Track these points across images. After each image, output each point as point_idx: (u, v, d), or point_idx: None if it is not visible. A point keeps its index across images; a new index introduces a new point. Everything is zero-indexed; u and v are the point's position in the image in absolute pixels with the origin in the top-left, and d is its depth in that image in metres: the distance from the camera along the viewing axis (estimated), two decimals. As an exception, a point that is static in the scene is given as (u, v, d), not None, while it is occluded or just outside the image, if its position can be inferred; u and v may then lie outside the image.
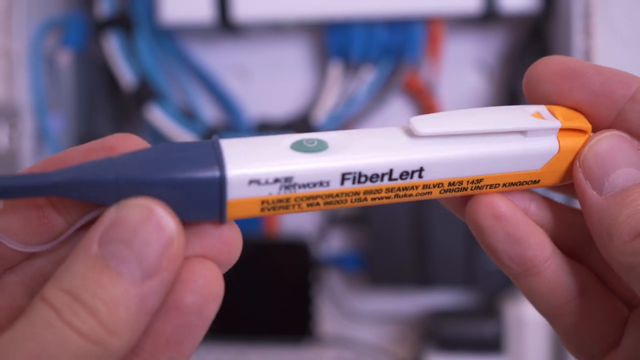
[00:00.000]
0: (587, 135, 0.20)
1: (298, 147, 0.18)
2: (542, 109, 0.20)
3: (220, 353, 0.55)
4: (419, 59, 0.50)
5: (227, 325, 0.53)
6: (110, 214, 0.16)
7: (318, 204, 0.18)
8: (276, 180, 0.17)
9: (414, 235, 0.50)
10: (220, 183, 0.16)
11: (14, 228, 0.17)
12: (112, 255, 0.15)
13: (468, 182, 0.19)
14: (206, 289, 0.17)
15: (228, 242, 0.18)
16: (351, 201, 0.18)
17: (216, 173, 0.16)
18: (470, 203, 0.20)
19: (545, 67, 0.20)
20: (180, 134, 0.50)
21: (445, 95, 0.52)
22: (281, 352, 0.54)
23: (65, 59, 0.51)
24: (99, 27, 0.51)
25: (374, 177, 0.18)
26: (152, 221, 0.16)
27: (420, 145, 0.18)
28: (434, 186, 0.19)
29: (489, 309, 0.51)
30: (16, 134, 0.48)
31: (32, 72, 0.49)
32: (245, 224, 0.53)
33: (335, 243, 0.54)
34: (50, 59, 0.51)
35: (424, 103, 0.52)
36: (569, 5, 0.44)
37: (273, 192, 0.17)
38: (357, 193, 0.18)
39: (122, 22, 0.51)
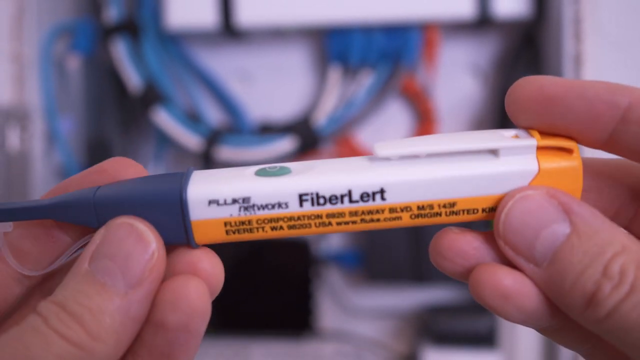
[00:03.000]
0: (574, 154, 0.18)
1: (261, 172, 0.18)
2: (521, 132, 0.18)
3: (224, 347, 0.55)
4: (415, 64, 0.50)
5: (230, 319, 0.53)
6: (100, 233, 0.17)
7: (282, 227, 0.17)
8: (234, 201, 0.17)
9: (410, 233, 0.50)
10: (181, 202, 0.17)
11: (26, 248, 0.18)
12: (99, 269, 0.16)
13: (440, 205, 0.18)
14: (189, 308, 0.17)
15: (204, 271, 0.18)
16: (315, 225, 0.17)
17: (176, 192, 0.17)
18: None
19: (523, 93, 0.18)
20: (185, 135, 0.50)
21: (441, 99, 0.52)
22: (282, 346, 0.54)
23: (74, 63, 0.51)
24: (107, 33, 0.51)
25: (332, 199, 0.17)
26: (134, 236, 0.17)
27: (380, 167, 0.17)
28: (402, 210, 0.17)
29: (483, 304, 0.51)
30: (27, 136, 0.48)
31: (42, 76, 0.49)
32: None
33: (335, 241, 0.54)
34: (60, 64, 0.51)
35: (420, 106, 0.52)
36: (560, 11, 0.44)
37: (233, 213, 0.17)
38: (319, 216, 0.17)
39: (129, 28, 0.51)
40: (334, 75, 0.51)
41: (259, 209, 0.17)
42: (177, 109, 0.51)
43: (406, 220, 0.18)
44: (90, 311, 0.16)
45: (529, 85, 0.18)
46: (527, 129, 0.18)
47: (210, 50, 0.54)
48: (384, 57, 0.50)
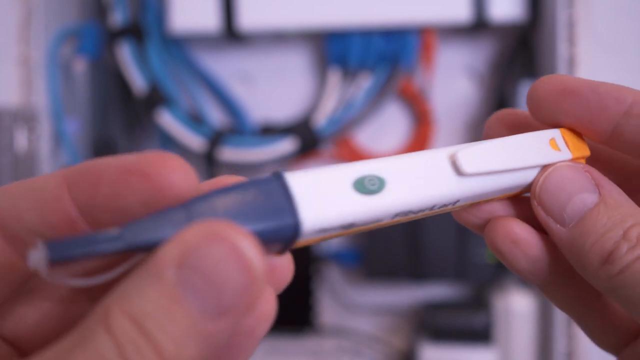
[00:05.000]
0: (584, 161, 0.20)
1: (360, 187, 0.17)
2: (556, 134, 0.20)
3: (226, 343, 0.55)
4: (413, 66, 0.50)
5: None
6: (191, 237, 0.13)
7: (361, 231, 0.18)
8: (340, 227, 0.17)
9: (408, 232, 0.50)
10: (294, 234, 0.16)
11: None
12: (188, 285, 0.13)
13: (467, 205, 0.19)
14: (262, 314, 0.16)
15: (281, 271, 0.17)
16: (385, 225, 0.18)
17: (291, 228, 0.16)
18: (488, 230, 0.20)
19: (545, 86, 0.20)
20: (188, 136, 0.50)
21: (438, 100, 0.52)
22: (283, 342, 0.54)
23: (80, 66, 0.51)
24: (112, 36, 0.51)
25: (419, 212, 0.18)
26: (237, 257, 0.13)
27: (462, 183, 0.18)
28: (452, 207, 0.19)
29: (479, 301, 0.51)
30: (34, 137, 0.48)
31: (49, 79, 0.49)
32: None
33: (335, 240, 0.54)
34: (67, 66, 0.51)
35: (418, 108, 0.52)
36: (554, 15, 0.44)
37: (333, 232, 0.17)
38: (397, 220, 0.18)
39: (134, 32, 0.51)
40: (334, 77, 0.51)
41: (356, 226, 0.17)
42: (181, 110, 0.51)
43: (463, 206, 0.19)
44: (173, 338, 0.13)
45: (551, 81, 0.19)
46: (555, 127, 0.20)
47: (213, 53, 0.54)
48: (382, 60, 0.50)
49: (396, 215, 0.17)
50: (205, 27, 0.49)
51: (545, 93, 0.20)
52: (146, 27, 0.51)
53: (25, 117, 0.47)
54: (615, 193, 0.18)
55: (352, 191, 0.17)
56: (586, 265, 0.18)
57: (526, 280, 0.21)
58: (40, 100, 0.48)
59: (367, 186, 0.17)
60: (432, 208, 0.18)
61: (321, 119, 0.50)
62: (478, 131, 0.52)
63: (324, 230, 0.16)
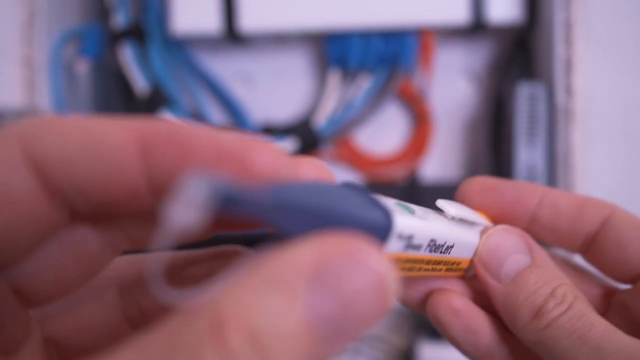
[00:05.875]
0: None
1: (402, 207, 0.17)
2: (472, 212, 0.22)
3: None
4: (412, 68, 0.50)
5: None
6: (329, 251, 0.12)
7: (402, 269, 0.18)
8: (408, 237, 0.16)
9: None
10: (386, 233, 0.15)
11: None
12: (321, 307, 0.11)
13: (452, 262, 0.20)
14: None
15: None
16: (416, 270, 0.19)
17: (386, 226, 0.15)
18: (430, 301, 0.21)
19: (470, 186, 0.23)
20: (189, 137, 0.50)
21: (437, 101, 0.52)
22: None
23: (83, 67, 0.51)
24: (115, 38, 0.51)
25: (438, 248, 0.19)
26: (381, 290, 0.12)
27: (453, 226, 0.20)
28: (450, 264, 0.20)
29: (478, 300, 0.51)
30: (37, 137, 0.48)
31: (52, 80, 0.49)
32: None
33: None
34: (69, 67, 0.51)
35: (417, 109, 0.52)
36: (552, 16, 0.44)
37: (399, 249, 0.16)
38: (422, 261, 0.18)
39: (136, 33, 0.51)
40: (334, 78, 0.51)
41: (411, 248, 0.17)
42: (182, 111, 0.51)
43: (442, 273, 0.20)
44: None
45: (475, 181, 0.23)
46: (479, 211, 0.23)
47: (214, 55, 0.54)
48: (381, 61, 0.50)
49: (430, 241, 0.18)
50: (206, 29, 0.49)
51: (470, 192, 0.22)
52: (148, 28, 0.51)
53: (28, 117, 0.47)
54: (544, 257, 0.21)
55: (396, 206, 0.17)
56: (518, 319, 0.20)
57: (464, 353, 0.21)
58: (43, 100, 0.48)
59: (406, 207, 0.18)
60: (444, 244, 0.19)
61: (321, 120, 0.50)
62: (476, 132, 0.53)
63: (401, 237, 0.16)
